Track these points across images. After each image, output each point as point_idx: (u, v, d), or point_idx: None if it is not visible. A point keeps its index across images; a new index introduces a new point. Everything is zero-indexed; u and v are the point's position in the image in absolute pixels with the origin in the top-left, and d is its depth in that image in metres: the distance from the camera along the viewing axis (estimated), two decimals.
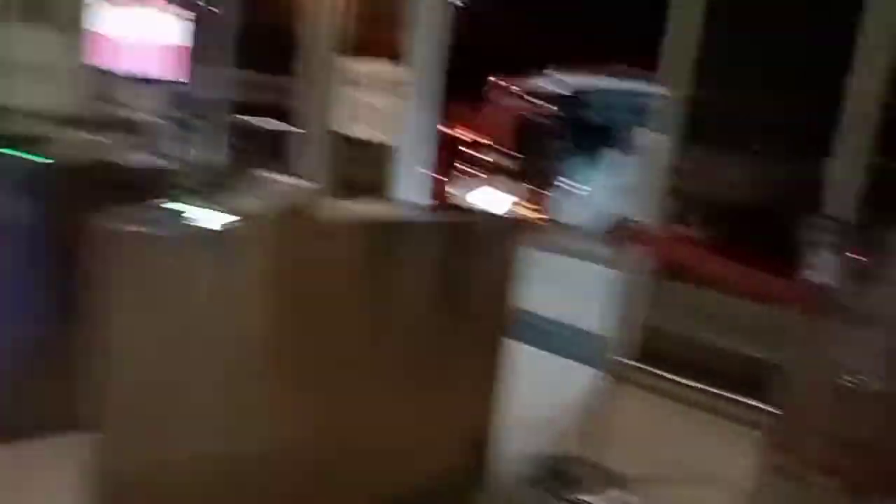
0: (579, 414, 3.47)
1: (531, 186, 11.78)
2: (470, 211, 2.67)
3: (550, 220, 11.47)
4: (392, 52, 4.92)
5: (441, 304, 2.46)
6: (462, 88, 13.80)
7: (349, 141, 5.04)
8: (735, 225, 6.56)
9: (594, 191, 11.02)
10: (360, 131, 4.93)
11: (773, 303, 3.03)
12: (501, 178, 12.05)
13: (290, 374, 2.21)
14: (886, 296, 2.73)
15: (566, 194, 11.50)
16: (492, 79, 12.97)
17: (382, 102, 4.86)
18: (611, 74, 11.65)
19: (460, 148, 13.19)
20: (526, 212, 11.80)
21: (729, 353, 3.85)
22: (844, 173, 3.34)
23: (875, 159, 3.42)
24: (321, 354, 2.25)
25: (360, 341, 2.32)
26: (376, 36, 5.03)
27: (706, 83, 4.45)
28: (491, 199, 12.05)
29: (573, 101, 11.76)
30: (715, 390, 3.66)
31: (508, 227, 2.65)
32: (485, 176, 12.25)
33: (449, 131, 14.53)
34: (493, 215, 10.99)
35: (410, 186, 5.00)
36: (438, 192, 12.40)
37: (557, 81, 12.00)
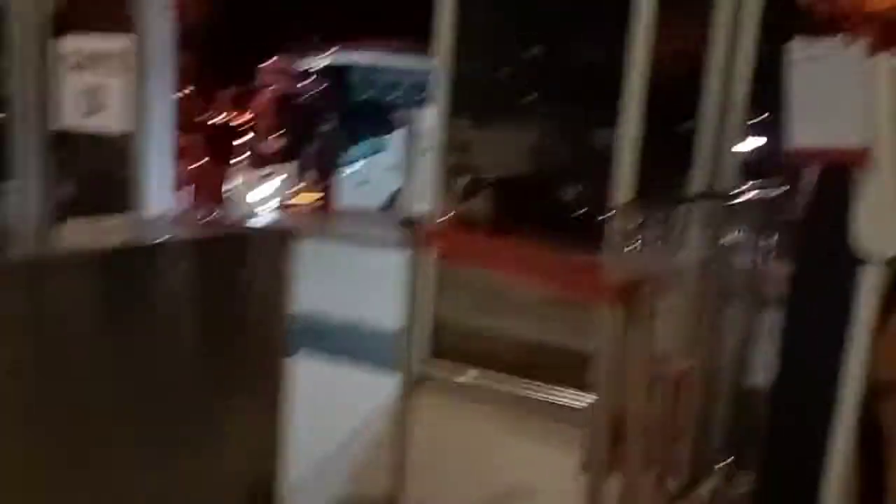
0: (378, 435, 3.12)
1: (311, 173, 11.28)
2: (233, 222, 2.20)
3: (334, 207, 11.06)
4: (123, 24, 4.16)
5: (205, 341, 1.98)
6: (235, 72, 12.99)
7: (80, 137, 4.23)
8: (521, 201, 6.57)
9: (376, 172, 10.74)
10: (93, 124, 4.16)
11: (576, 298, 2.86)
12: (280, 166, 11.43)
13: (35, 463, 1.65)
14: (679, 272, 2.64)
15: (347, 178, 11.12)
16: (264, 60, 12.26)
17: (118, 86, 4.14)
18: (385, 51, 11.36)
19: (237, 137, 12.38)
20: (308, 200, 11.29)
21: (536, 345, 3.68)
22: (628, 146, 3.23)
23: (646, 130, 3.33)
24: (67, 433, 1.71)
25: (110, 408, 1.79)
26: (101, 4, 4.23)
27: (480, 57, 4.24)
28: (271, 190, 11.41)
29: (349, 80, 11.37)
30: (525, 386, 3.45)
31: (281, 232, 2.20)
32: (263, 166, 11.57)
33: (224, 119, 13.62)
34: (262, 222, 10.41)
35: (162, 186, 4.35)
36: (214, 188, 11.56)
37: (331, 60, 11.55)
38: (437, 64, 3.80)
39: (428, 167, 4.05)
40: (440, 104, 3.81)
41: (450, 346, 3.74)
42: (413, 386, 2.59)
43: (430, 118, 4.03)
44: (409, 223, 2.46)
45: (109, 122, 4.04)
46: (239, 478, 2.19)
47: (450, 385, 3.59)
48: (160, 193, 4.24)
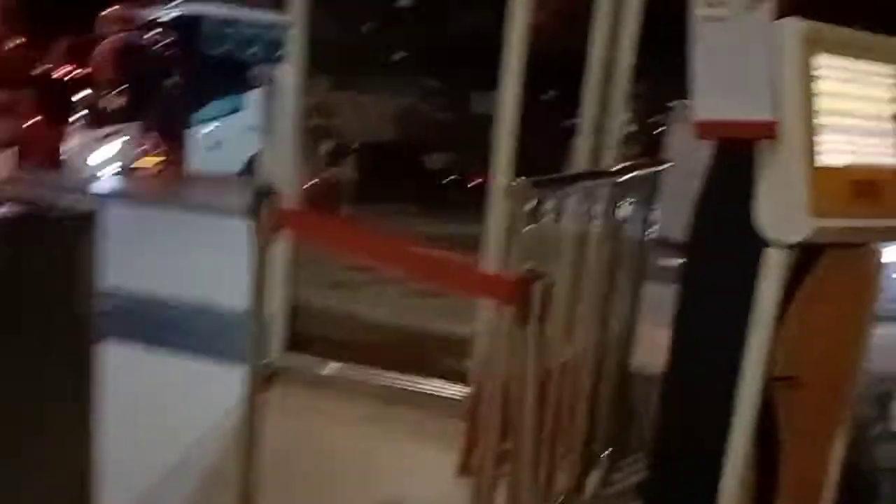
0: (225, 440, 2.72)
1: (157, 133, 10.41)
2: (41, 196, 1.75)
3: (183, 172, 10.26)
4: None
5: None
6: (72, 20, 11.75)
7: None
8: (389, 168, 6.22)
9: (231, 134, 10.03)
10: None
11: (462, 293, 2.55)
12: (123, 126, 10.48)
13: None
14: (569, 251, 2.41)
15: (199, 140, 10.34)
16: (104, 8, 11.14)
17: None
18: (240, 3, 10.56)
19: (73, 93, 11.25)
20: (153, 163, 10.44)
21: (405, 331, 3.34)
22: (507, 113, 2.93)
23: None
24: None
25: None
26: None
27: (340, 10, 3.83)
28: (112, 152, 10.47)
29: (200, 33, 10.51)
30: (393, 376, 3.11)
31: (86, 211, 1.76)
32: (103, 125, 10.56)
33: (59, 73, 12.36)
34: (100, 188, 9.50)
35: None
36: (47, 149, 10.47)
37: (180, 11, 10.64)
38: (291, 17, 3.37)
39: (287, 130, 3.64)
40: (297, 62, 3.39)
41: (309, 334, 3.36)
42: (264, 380, 2.23)
43: (288, 77, 3.61)
44: (263, 195, 2.08)
45: None
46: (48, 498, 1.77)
47: (309, 378, 3.22)
48: None
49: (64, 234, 1.67)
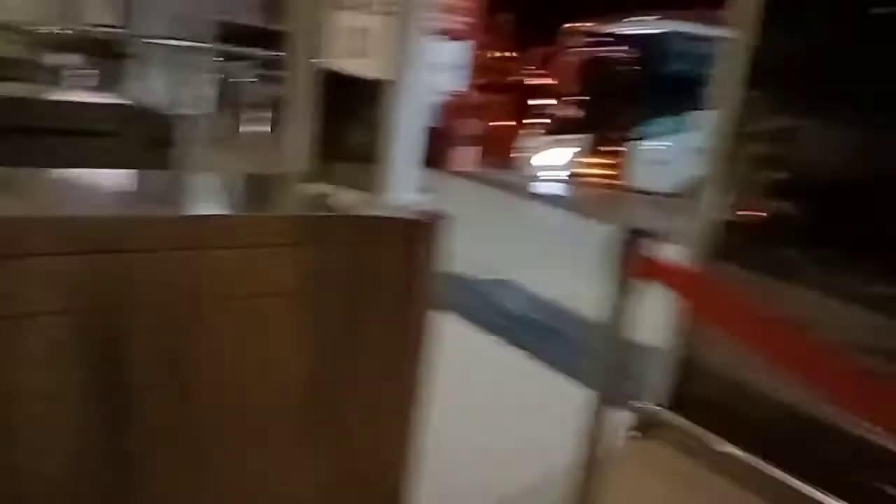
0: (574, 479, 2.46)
1: (603, 144, 10.54)
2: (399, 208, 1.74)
3: (622, 184, 10.21)
4: None
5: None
6: (541, 34, 12.59)
7: (340, 80, 4.06)
8: (856, 214, 5.26)
9: (675, 153, 9.66)
10: (355, 67, 3.94)
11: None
12: (575, 136, 10.85)
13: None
14: None
15: (642, 154, 10.18)
16: (568, 23, 11.69)
17: (383, 27, 3.85)
18: (699, 20, 10.17)
19: (534, 98, 12.05)
20: (598, 173, 10.60)
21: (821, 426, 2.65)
22: None
23: None
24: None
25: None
26: None
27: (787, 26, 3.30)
28: (561, 158, 10.91)
29: (654, 49, 10.36)
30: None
31: (426, 225, 1.67)
32: (558, 132, 11.08)
33: (526, 80, 13.38)
34: (544, 190, 9.84)
35: (409, 139, 4.00)
36: (503, 147, 11.32)
37: (638, 27, 10.62)
38: (732, 30, 2.99)
39: (717, 154, 3.24)
40: (732, 80, 2.97)
41: (689, 393, 2.92)
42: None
43: (727, 96, 3.21)
44: (632, 238, 1.79)
45: (373, 67, 3.77)
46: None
47: (679, 443, 2.80)
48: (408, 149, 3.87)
49: (413, 236, 1.59)
